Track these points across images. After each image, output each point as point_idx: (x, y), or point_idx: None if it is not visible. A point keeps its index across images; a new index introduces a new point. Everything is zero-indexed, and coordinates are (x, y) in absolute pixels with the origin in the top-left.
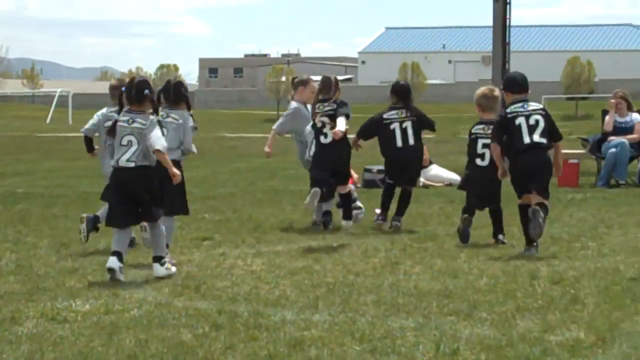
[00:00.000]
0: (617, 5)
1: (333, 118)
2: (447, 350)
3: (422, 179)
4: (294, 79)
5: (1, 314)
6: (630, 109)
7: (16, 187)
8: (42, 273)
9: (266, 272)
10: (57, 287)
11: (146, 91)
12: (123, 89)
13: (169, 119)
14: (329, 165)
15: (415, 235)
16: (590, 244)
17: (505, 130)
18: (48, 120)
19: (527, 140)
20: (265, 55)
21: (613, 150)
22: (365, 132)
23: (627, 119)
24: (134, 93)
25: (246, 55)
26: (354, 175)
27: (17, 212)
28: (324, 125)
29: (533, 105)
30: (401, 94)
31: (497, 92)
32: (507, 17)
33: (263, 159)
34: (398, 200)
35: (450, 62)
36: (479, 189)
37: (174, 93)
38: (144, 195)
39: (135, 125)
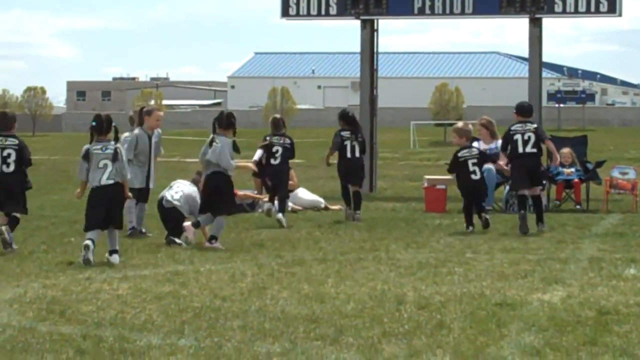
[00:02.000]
0: (483, 34)
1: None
2: None
3: (290, 204)
4: (142, 108)
5: None
6: (494, 136)
7: None
8: None
9: (132, 297)
10: None
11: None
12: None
13: (216, 143)
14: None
15: (283, 260)
16: (456, 269)
17: (508, 142)
18: None
19: (520, 150)
20: (133, 78)
21: None
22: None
23: (492, 145)
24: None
25: (114, 79)
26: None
27: None
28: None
29: (529, 126)
30: (349, 119)
31: (470, 125)
32: (375, 43)
33: None
34: (352, 198)
35: (319, 87)
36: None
37: (226, 121)
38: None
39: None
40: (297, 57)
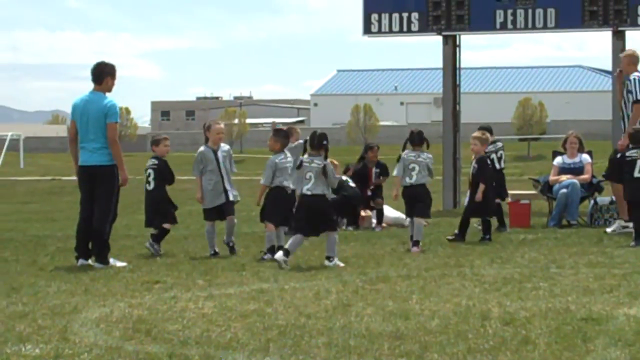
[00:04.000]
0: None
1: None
2: None
3: (374, 221)
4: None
5: None
6: (581, 150)
7: None
8: None
9: (217, 315)
10: (7, 331)
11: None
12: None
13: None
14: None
15: (367, 277)
16: (541, 284)
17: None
18: None
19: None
20: (217, 98)
21: (564, 190)
22: None
23: (577, 159)
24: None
25: (198, 98)
26: None
27: None
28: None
29: None
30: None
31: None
32: (457, 59)
33: None
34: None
35: (402, 103)
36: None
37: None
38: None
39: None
40: (380, 73)
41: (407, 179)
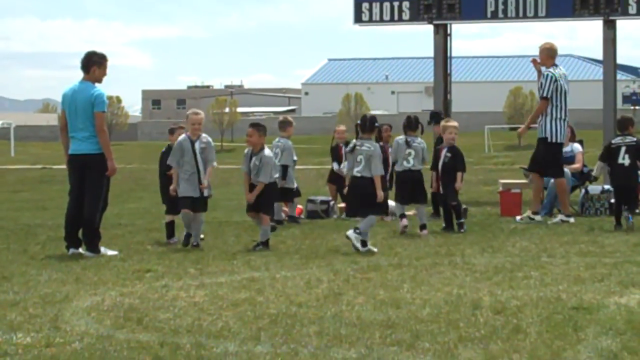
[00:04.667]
0: (557, 36)
1: None
2: None
3: None
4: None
5: None
6: (572, 139)
7: None
8: None
9: (209, 304)
10: None
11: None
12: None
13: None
14: None
15: (359, 266)
16: (532, 273)
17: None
18: None
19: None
20: (208, 86)
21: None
22: None
23: (568, 149)
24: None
25: (189, 87)
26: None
27: None
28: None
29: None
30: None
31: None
32: (448, 48)
33: None
34: None
35: (393, 92)
36: None
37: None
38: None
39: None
40: (371, 62)
41: (405, 163)
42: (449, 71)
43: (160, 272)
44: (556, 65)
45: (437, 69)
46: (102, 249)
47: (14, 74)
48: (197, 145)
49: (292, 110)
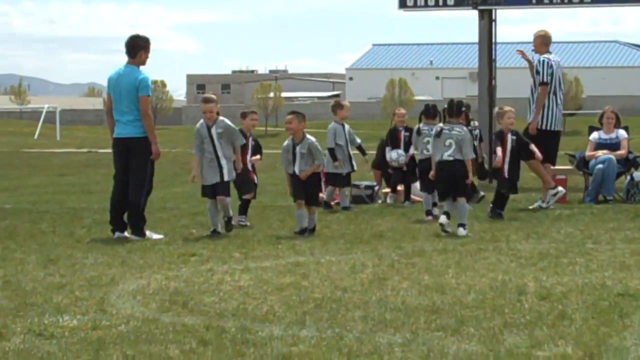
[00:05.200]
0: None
1: None
2: None
3: (412, 195)
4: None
5: None
6: (617, 125)
7: (3, 202)
8: (30, 289)
9: (254, 288)
10: (45, 302)
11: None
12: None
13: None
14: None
15: (403, 251)
16: (578, 260)
17: None
18: (36, 136)
19: None
20: (252, 71)
21: (600, 166)
22: None
23: (613, 135)
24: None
25: (234, 72)
26: None
27: (5, 228)
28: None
29: None
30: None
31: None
32: (493, 33)
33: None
34: None
35: (437, 78)
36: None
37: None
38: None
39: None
40: (415, 48)
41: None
42: (493, 57)
43: (206, 256)
44: (550, 53)
45: (481, 55)
46: (148, 233)
47: (59, 58)
48: (213, 131)
49: (337, 95)
